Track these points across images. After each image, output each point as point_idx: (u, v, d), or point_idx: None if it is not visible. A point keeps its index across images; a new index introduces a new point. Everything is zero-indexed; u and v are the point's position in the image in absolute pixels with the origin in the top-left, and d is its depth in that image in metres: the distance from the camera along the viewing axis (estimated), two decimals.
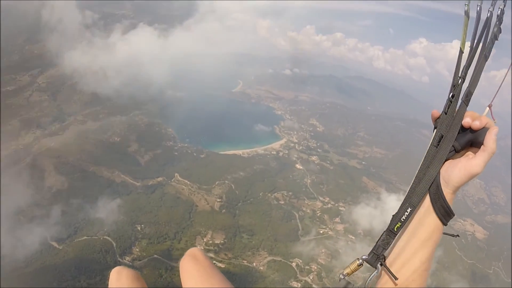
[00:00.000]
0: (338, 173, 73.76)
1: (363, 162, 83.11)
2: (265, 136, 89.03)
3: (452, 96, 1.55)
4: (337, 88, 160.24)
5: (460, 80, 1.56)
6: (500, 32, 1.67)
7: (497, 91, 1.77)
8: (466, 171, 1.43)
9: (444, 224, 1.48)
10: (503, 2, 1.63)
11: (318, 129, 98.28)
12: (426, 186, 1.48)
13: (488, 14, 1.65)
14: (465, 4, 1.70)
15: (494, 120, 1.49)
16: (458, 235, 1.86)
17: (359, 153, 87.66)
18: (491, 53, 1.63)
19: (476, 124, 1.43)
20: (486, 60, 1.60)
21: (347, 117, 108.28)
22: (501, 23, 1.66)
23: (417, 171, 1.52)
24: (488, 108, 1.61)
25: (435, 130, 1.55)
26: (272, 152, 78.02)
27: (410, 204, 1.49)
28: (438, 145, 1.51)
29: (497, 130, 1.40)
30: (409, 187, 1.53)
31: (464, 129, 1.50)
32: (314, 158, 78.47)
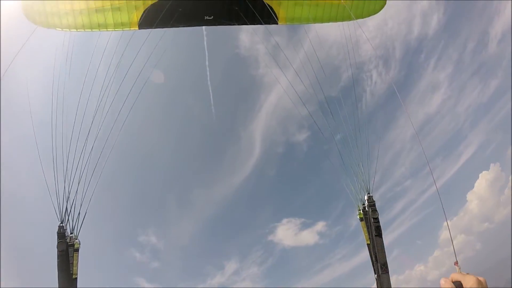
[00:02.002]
0: None
1: None
2: None
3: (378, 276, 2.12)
4: None
5: (378, 265, 2.21)
6: (377, 214, 2.93)
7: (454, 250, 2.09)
8: None
9: None
10: (367, 195, 2.80)
11: None
12: None
13: (367, 207, 2.84)
14: (357, 215, 3.02)
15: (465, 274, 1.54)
16: None
17: None
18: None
19: None
20: (381, 237, 2.53)
21: None
22: (374, 206, 2.80)
23: None
24: (456, 266, 1.78)
25: None
26: None
27: None
28: None
29: (473, 281, 1.43)
30: None
31: None
32: None
